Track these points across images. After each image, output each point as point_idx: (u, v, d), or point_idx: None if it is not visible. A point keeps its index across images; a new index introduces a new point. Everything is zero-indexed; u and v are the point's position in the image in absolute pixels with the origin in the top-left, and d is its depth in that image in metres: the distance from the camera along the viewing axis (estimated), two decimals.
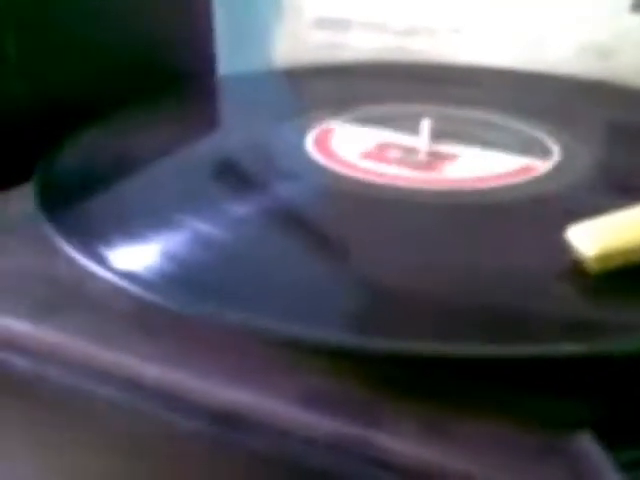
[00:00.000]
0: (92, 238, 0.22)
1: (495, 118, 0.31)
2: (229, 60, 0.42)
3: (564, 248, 0.20)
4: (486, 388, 0.18)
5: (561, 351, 0.17)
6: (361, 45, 0.41)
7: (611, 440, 0.16)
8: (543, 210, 0.24)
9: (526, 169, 0.26)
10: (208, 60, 0.40)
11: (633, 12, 0.36)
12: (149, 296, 0.19)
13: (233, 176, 0.27)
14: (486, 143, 0.28)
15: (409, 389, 0.18)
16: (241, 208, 0.24)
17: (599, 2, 0.37)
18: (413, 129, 0.29)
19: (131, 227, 0.23)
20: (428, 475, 0.17)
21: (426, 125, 0.28)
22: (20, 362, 0.20)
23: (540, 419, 0.17)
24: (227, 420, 0.18)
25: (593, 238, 0.19)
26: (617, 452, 0.16)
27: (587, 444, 0.16)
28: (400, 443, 0.17)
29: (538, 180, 0.26)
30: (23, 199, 0.26)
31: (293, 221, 0.24)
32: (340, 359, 0.19)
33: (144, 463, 0.20)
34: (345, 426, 0.17)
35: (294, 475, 0.18)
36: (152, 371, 0.19)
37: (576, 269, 0.20)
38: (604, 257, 0.19)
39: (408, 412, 0.17)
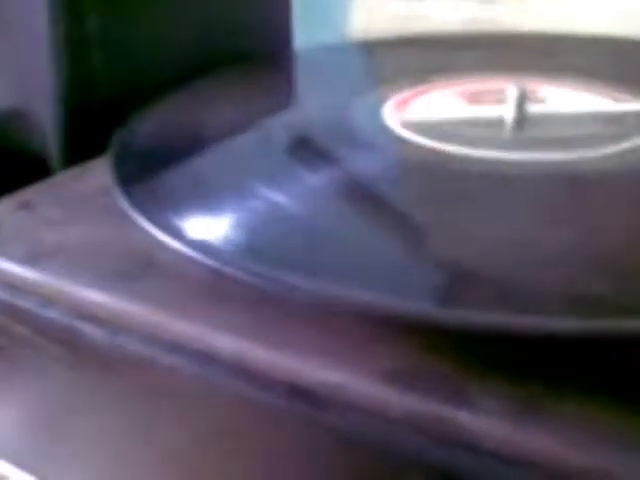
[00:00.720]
0: (166, 209, 0.22)
1: (580, 87, 0.29)
2: (305, 35, 0.41)
3: None
4: (587, 368, 0.16)
5: None
6: (437, 15, 0.39)
7: None
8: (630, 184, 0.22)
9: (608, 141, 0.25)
10: (285, 38, 0.39)
11: None
12: (223, 266, 0.19)
13: (309, 149, 0.26)
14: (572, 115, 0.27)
15: (501, 366, 0.17)
16: (317, 180, 0.24)
17: None
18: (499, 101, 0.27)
19: (205, 198, 0.23)
20: (514, 457, 0.15)
21: (513, 94, 0.27)
22: (94, 331, 0.20)
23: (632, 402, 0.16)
24: (305, 396, 0.17)
25: None
26: None
27: None
28: (490, 424, 0.16)
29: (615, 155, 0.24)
30: (99, 171, 0.26)
31: (370, 194, 0.23)
32: (427, 335, 0.18)
33: (218, 438, 0.19)
34: (430, 405, 0.16)
35: (376, 455, 0.17)
36: (228, 343, 0.18)
37: None
38: None
39: (499, 390, 0.16)
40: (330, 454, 0.18)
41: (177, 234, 0.20)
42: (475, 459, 0.16)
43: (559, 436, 0.15)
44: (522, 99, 0.26)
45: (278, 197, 0.22)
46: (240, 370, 0.18)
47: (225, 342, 0.18)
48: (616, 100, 0.28)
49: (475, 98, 0.29)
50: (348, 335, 0.18)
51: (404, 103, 0.28)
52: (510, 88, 0.27)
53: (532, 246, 0.19)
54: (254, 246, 0.20)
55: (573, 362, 0.17)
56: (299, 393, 0.18)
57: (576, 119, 0.27)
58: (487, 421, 0.16)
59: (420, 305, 0.17)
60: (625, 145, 0.24)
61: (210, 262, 0.19)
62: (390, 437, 0.17)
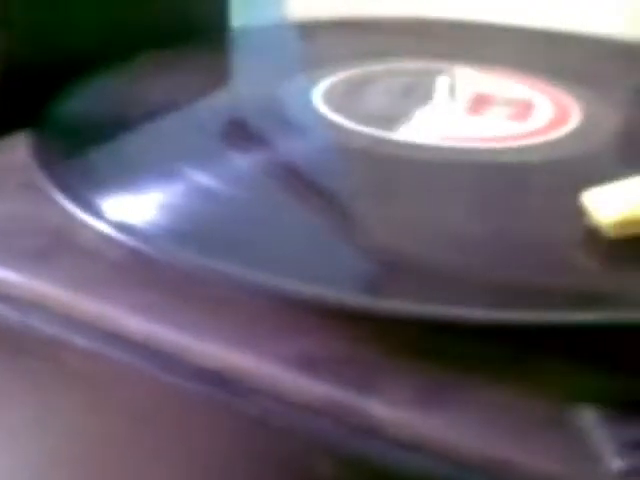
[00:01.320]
0: (85, 187, 0.21)
1: (516, 76, 0.29)
2: (244, 12, 0.40)
3: (580, 213, 0.19)
4: (490, 356, 0.17)
5: (568, 319, 0.16)
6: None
7: (620, 417, 0.15)
8: (561, 173, 0.23)
9: (546, 129, 0.25)
10: (221, 16, 0.38)
11: None
12: (142, 246, 0.19)
13: (237, 131, 0.26)
14: (506, 103, 0.27)
15: (410, 354, 0.17)
16: (243, 162, 0.23)
17: None
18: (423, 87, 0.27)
19: (128, 178, 0.22)
20: (419, 445, 0.16)
21: (444, 83, 0.27)
22: (6, 311, 0.19)
23: (546, 390, 0.16)
24: (215, 380, 0.17)
25: (610, 204, 0.18)
26: (625, 429, 0.15)
27: (592, 420, 0.15)
28: (391, 410, 0.16)
29: (554, 142, 0.24)
30: (22, 146, 0.25)
31: (297, 178, 0.23)
32: (339, 324, 0.18)
33: (129, 419, 0.19)
34: (335, 391, 0.16)
35: (287, 439, 0.17)
36: (139, 325, 0.18)
37: (591, 235, 0.18)
38: (622, 223, 0.18)
39: (405, 378, 0.16)
40: (240, 438, 0.18)
41: (95, 212, 0.20)
42: (382, 445, 0.16)
43: (459, 424, 0.15)
44: (452, 88, 0.27)
45: (203, 179, 0.22)
46: (151, 352, 0.18)
47: (137, 324, 0.18)
48: (536, 89, 0.28)
49: (408, 85, 0.29)
50: (262, 321, 0.18)
51: (337, 86, 0.28)
52: (441, 77, 0.27)
53: (448, 235, 0.19)
54: (174, 228, 0.20)
55: (477, 352, 0.17)
56: (210, 376, 0.17)
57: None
58: (393, 409, 0.16)
59: (330, 292, 0.17)
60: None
61: (127, 242, 0.19)
62: (299, 423, 0.17)
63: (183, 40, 0.34)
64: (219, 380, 0.17)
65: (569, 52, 0.33)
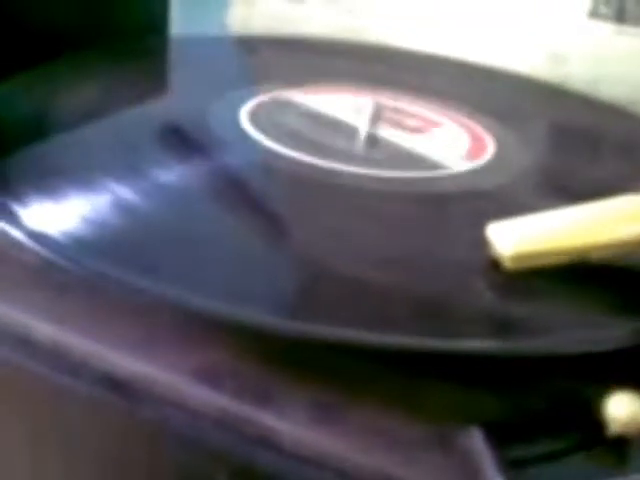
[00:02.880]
0: (2, 193, 0.21)
1: (434, 107, 0.30)
2: (184, 20, 0.41)
3: (485, 244, 0.20)
4: (382, 377, 0.17)
5: (453, 348, 0.17)
6: (314, 20, 0.40)
7: (504, 436, 0.16)
8: (470, 204, 0.24)
9: (460, 161, 0.26)
10: (160, 24, 0.39)
11: (590, 19, 0.36)
12: (52, 256, 0.19)
13: (160, 144, 0.26)
14: (422, 130, 0.28)
15: (305, 371, 0.18)
16: (165, 176, 0.24)
17: (558, 7, 0.37)
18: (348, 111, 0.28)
19: (48, 185, 0.22)
20: (311, 458, 0.16)
21: (366, 107, 0.28)
22: None
23: (433, 411, 0.17)
24: (118, 388, 0.18)
25: (510, 237, 0.19)
26: (508, 449, 0.16)
27: (475, 439, 0.16)
28: (286, 424, 0.16)
29: (468, 174, 0.25)
30: None
31: (212, 193, 0.23)
32: (240, 338, 0.18)
33: (35, 424, 0.19)
34: (233, 402, 0.17)
35: (186, 448, 0.18)
36: (46, 331, 0.18)
37: (494, 266, 0.19)
38: (519, 257, 0.19)
39: (300, 394, 0.17)
40: (142, 446, 0.18)
41: (8, 218, 0.20)
42: (277, 458, 0.17)
43: (349, 441, 0.16)
44: (377, 114, 0.27)
45: (120, 190, 0.22)
46: (57, 359, 0.18)
47: (43, 330, 0.18)
48: (460, 123, 0.29)
49: (334, 107, 0.29)
50: (166, 332, 0.18)
51: (264, 104, 0.29)
52: (366, 101, 0.28)
53: (353, 259, 0.20)
54: (86, 238, 0.20)
55: (370, 373, 0.18)
56: (113, 384, 0.18)
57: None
58: (288, 422, 0.17)
59: (226, 306, 0.17)
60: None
61: (38, 250, 0.19)
62: (199, 433, 0.17)
63: (116, 43, 0.34)
64: (123, 388, 0.18)
65: (490, 87, 0.34)
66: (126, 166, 0.24)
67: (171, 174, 0.24)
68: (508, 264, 0.19)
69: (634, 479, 0.16)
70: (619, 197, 0.20)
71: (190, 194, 0.23)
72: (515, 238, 0.19)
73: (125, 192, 0.22)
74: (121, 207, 0.21)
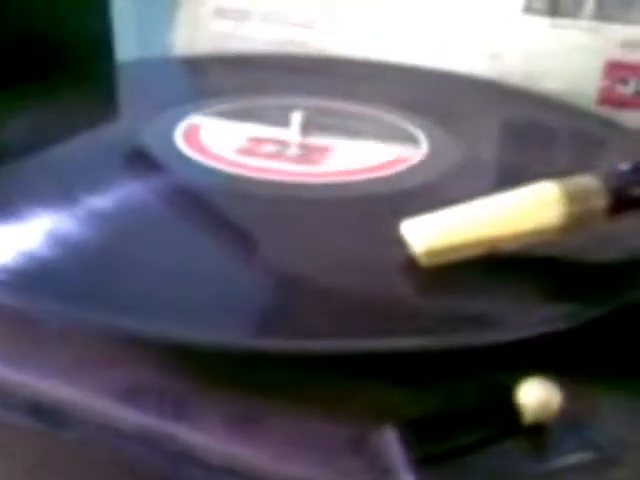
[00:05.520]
0: None
1: (371, 111, 0.31)
2: (132, 45, 0.41)
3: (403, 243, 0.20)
4: (298, 382, 0.17)
5: (372, 346, 0.17)
6: (259, 36, 0.40)
7: (423, 433, 0.16)
8: (401, 203, 0.24)
9: (393, 163, 0.26)
10: (104, 50, 0.39)
11: (525, 14, 0.37)
12: None
13: (99, 169, 0.26)
14: (358, 136, 0.28)
15: (223, 383, 0.18)
16: (99, 202, 0.24)
17: (493, 3, 0.37)
18: (286, 122, 0.28)
19: None
20: (231, 470, 0.16)
21: (297, 118, 0.28)
22: None
23: (352, 413, 0.17)
24: (43, 413, 0.18)
25: (423, 233, 0.19)
26: (426, 445, 0.16)
27: (388, 439, 0.16)
28: (204, 437, 0.17)
29: (400, 174, 0.26)
30: None
31: (142, 214, 0.23)
32: (156, 354, 0.18)
33: None
34: (154, 420, 0.17)
35: (109, 467, 0.18)
36: None
37: (411, 263, 0.20)
38: (432, 252, 0.19)
39: (219, 406, 0.17)
40: (69, 470, 0.18)
41: None
42: (200, 473, 0.17)
43: (267, 449, 0.16)
44: (309, 123, 0.28)
45: (50, 217, 0.22)
46: None
47: None
48: (398, 127, 0.30)
49: (268, 119, 0.30)
50: (85, 354, 0.18)
51: (197, 125, 0.29)
52: (301, 111, 0.28)
53: (276, 267, 0.20)
54: (12, 266, 0.20)
55: (285, 379, 0.18)
56: (38, 410, 0.18)
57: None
58: (208, 437, 0.17)
59: (141, 321, 0.17)
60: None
61: None
62: (124, 452, 0.17)
63: (58, 71, 0.34)
64: (49, 414, 0.18)
65: (428, 87, 0.35)
66: (60, 194, 0.24)
67: (104, 200, 0.24)
68: (423, 260, 0.19)
69: (551, 465, 0.16)
70: (529, 186, 0.20)
71: (121, 217, 0.23)
72: (427, 234, 0.19)
73: (54, 218, 0.22)
74: (46, 234, 0.21)
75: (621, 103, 0.34)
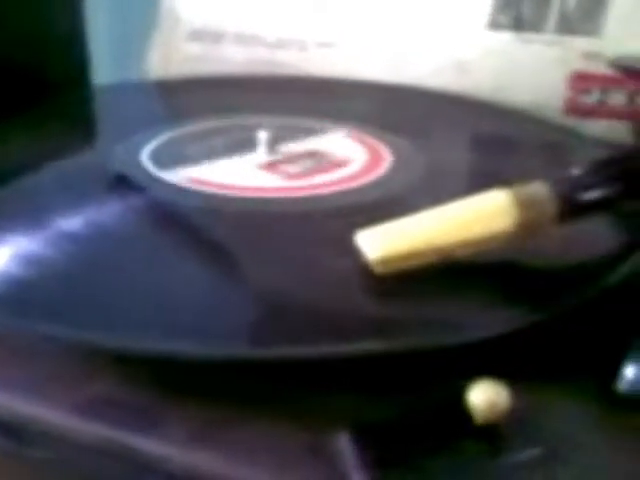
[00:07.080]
0: None
1: (338, 127, 0.31)
2: (109, 69, 0.41)
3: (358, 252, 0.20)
4: (257, 391, 0.18)
5: (329, 352, 0.17)
6: (233, 57, 0.41)
7: (368, 438, 0.17)
8: (365, 215, 0.24)
9: (357, 176, 0.27)
10: (79, 74, 0.39)
11: (490, 29, 0.37)
12: None
13: (67, 191, 0.27)
14: (324, 151, 0.29)
15: (186, 394, 0.18)
16: (67, 224, 0.24)
17: (458, 19, 0.38)
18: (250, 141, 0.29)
19: None
20: (193, 479, 0.17)
21: (263, 136, 0.28)
22: None
23: (309, 419, 0.17)
24: (4, 429, 0.18)
25: (376, 242, 0.20)
26: (382, 449, 0.17)
27: (343, 444, 0.16)
28: (167, 449, 0.17)
29: (363, 188, 0.26)
30: None
31: (112, 238, 0.24)
32: (122, 366, 0.19)
33: None
34: (118, 432, 0.17)
35: None
36: None
37: (366, 272, 0.20)
38: (385, 260, 0.19)
39: (183, 417, 0.18)
40: None
41: None
42: None
43: (228, 458, 0.17)
44: (273, 143, 0.28)
45: (28, 241, 0.23)
46: None
47: None
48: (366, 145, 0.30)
49: (240, 141, 0.30)
50: (47, 369, 0.19)
51: (170, 146, 0.30)
52: (261, 132, 0.28)
53: (232, 276, 0.21)
54: None
55: (245, 389, 0.18)
56: (2, 429, 0.18)
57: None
58: (169, 447, 0.17)
59: (102, 334, 0.18)
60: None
61: None
62: (88, 465, 0.18)
63: (32, 96, 0.34)
64: (12, 431, 0.18)
65: (396, 103, 0.35)
66: (30, 216, 0.24)
67: (72, 221, 0.24)
68: (377, 268, 0.19)
69: (502, 463, 0.17)
70: (481, 194, 0.20)
71: (87, 237, 0.24)
72: (380, 243, 0.19)
73: (24, 241, 0.23)
74: (18, 256, 0.22)
75: (586, 113, 0.35)
